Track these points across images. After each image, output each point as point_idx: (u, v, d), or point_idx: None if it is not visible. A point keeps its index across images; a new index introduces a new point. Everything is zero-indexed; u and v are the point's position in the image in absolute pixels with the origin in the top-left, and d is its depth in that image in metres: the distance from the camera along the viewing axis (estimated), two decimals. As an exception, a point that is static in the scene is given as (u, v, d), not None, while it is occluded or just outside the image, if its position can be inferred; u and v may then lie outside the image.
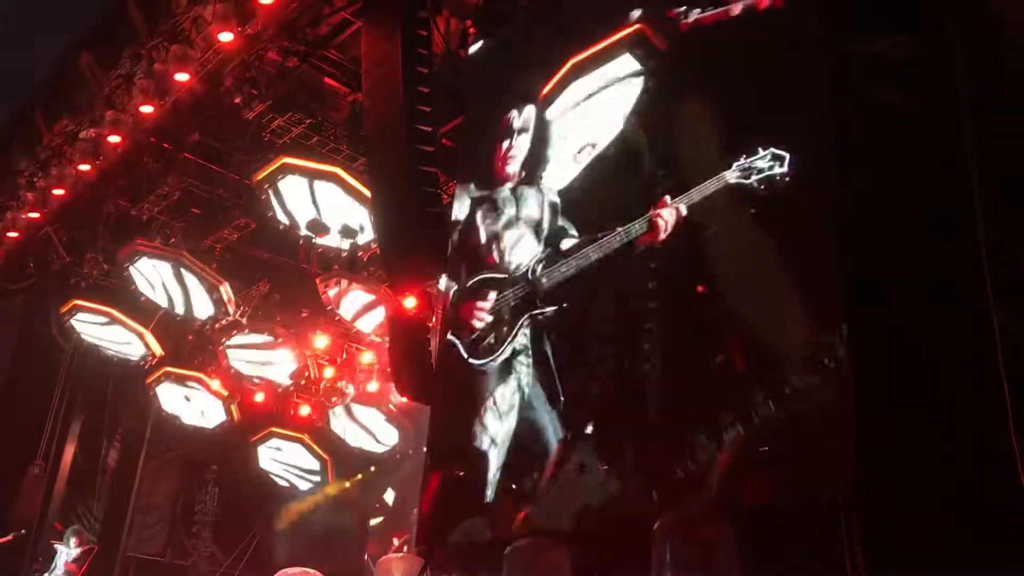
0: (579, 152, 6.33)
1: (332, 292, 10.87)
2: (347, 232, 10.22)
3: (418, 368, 8.02)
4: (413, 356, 8.19)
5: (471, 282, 6.86)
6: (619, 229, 5.72)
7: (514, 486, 5.89)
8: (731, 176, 5.12)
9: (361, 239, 10.30)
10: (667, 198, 5.44)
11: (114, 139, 10.75)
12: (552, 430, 5.81)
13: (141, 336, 12.93)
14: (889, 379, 4.14)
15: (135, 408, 14.62)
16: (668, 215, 5.43)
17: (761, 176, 4.93)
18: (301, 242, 10.81)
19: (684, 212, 5.37)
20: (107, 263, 12.48)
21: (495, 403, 6.29)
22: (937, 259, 4.32)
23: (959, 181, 4.32)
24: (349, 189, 9.84)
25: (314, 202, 10.04)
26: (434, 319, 8.63)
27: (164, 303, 12.34)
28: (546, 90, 6.70)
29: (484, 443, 6.24)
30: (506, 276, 6.53)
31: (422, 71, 7.88)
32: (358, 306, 11.09)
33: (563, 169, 6.46)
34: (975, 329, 4.12)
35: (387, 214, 8.20)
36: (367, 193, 9.32)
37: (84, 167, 11.24)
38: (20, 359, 15.02)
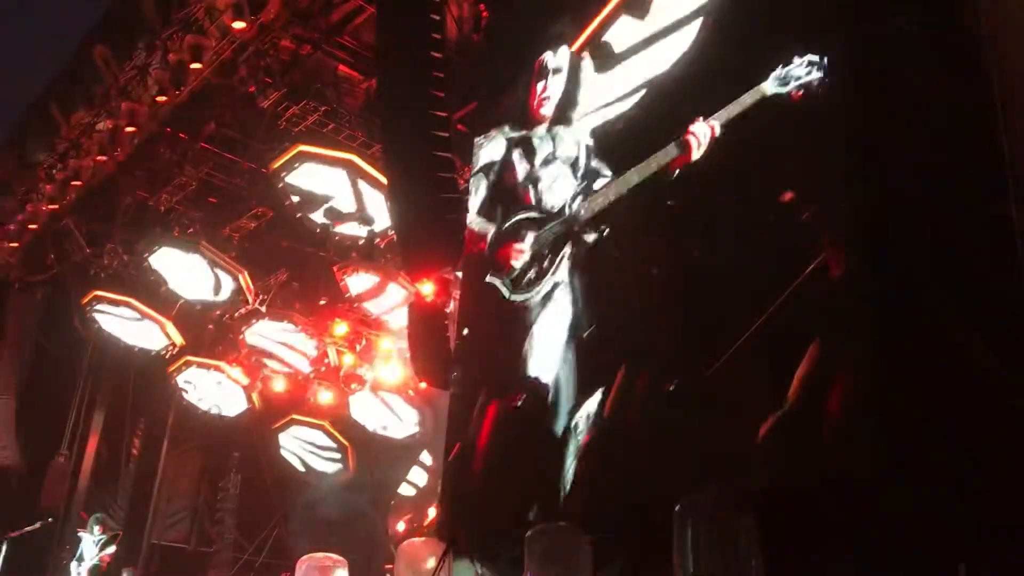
0: (620, 93, 6.15)
1: (350, 279, 10.89)
2: (364, 219, 10.23)
3: (436, 353, 8.03)
4: (431, 341, 8.21)
5: (508, 223, 6.79)
6: (651, 156, 5.58)
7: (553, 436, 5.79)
8: (769, 87, 4.93)
9: (378, 226, 10.31)
10: (700, 117, 5.28)
11: (130, 130, 10.80)
12: (583, 373, 5.72)
13: (162, 326, 13.00)
14: (918, 366, 4.08)
15: (157, 397, 14.70)
16: (701, 132, 5.27)
17: (799, 82, 4.78)
18: (318, 230, 10.83)
19: (718, 131, 5.19)
20: (126, 253, 12.56)
21: (538, 336, 6.21)
22: (967, 242, 4.22)
23: (990, 163, 4.22)
24: (365, 176, 9.84)
25: (330, 190, 10.06)
26: (452, 305, 8.62)
27: (184, 292, 12.40)
28: (589, 30, 6.49)
29: (534, 372, 6.16)
30: (544, 215, 6.47)
31: (436, 56, 7.85)
32: (388, 304, 11.11)
33: (601, 110, 6.29)
34: (1008, 308, 4.04)
35: (403, 200, 8.19)
36: (383, 180, 9.32)
37: (101, 158, 11.31)
38: (42, 350, 15.16)
